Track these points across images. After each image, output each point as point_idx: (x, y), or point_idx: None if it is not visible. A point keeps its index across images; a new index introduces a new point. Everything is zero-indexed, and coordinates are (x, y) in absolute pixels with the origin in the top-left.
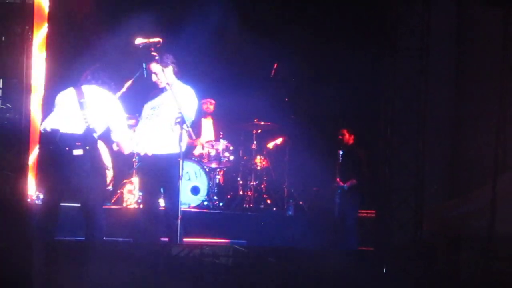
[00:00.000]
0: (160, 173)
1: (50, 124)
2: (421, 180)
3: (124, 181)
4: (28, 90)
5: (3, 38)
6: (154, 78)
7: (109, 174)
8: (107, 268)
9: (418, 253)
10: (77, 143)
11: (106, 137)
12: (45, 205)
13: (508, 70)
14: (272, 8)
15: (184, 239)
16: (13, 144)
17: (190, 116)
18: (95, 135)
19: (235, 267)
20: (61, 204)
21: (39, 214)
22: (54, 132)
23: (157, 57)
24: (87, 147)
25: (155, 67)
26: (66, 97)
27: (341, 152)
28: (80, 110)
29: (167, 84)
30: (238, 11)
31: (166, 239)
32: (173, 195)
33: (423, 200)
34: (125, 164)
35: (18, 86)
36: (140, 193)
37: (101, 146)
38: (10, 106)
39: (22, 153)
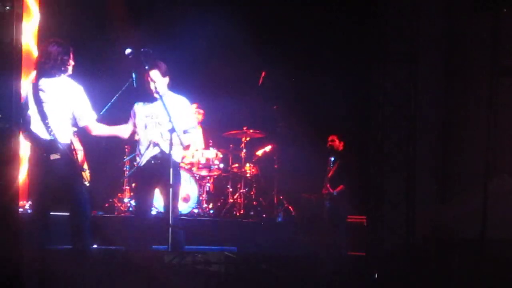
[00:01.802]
0: (162, 179)
1: (26, 133)
2: (412, 184)
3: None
4: (18, 99)
5: None
6: (152, 86)
7: (86, 175)
8: (98, 277)
9: (410, 257)
10: (51, 149)
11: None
12: (34, 213)
13: (497, 74)
14: (260, 16)
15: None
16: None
17: (191, 124)
18: (65, 139)
19: (227, 274)
20: (52, 213)
21: (30, 223)
22: (32, 141)
23: (160, 65)
24: (65, 151)
25: (155, 75)
26: (28, 99)
27: (332, 159)
28: (41, 118)
29: (159, 93)
30: (227, 20)
31: (161, 247)
32: (177, 204)
33: (415, 205)
34: (116, 172)
35: (7, 95)
36: (131, 201)
37: (78, 148)
38: (1, 115)
39: (13, 162)
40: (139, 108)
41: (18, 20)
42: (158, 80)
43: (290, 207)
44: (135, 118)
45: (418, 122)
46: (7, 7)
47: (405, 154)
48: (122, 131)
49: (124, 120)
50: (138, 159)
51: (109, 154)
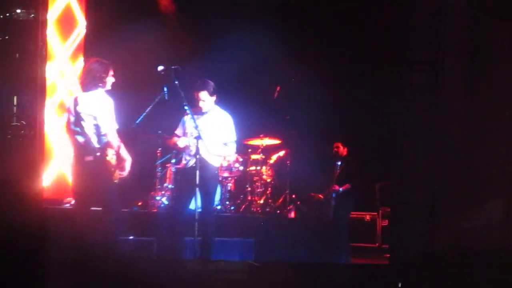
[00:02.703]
0: (201, 182)
1: (69, 138)
2: (434, 193)
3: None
4: (42, 106)
5: (17, 55)
6: (200, 104)
7: (116, 175)
8: (120, 285)
9: (432, 266)
10: (87, 151)
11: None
12: (75, 209)
13: None
14: (281, 31)
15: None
16: (28, 160)
17: (231, 138)
18: (98, 143)
19: (250, 283)
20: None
21: (72, 217)
22: (73, 145)
23: (209, 86)
24: (97, 153)
25: (204, 95)
26: (71, 109)
27: (338, 163)
28: (77, 125)
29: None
30: (248, 38)
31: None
32: (212, 203)
33: (437, 213)
34: (149, 173)
35: (32, 103)
36: (162, 198)
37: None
38: (24, 123)
39: (37, 169)
40: (188, 120)
41: (43, 28)
42: (206, 99)
43: (300, 205)
44: (184, 128)
45: (442, 131)
46: (32, 15)
47: (428, 162)
48: (127, 164)
49: (157, 129)
50: (183, 161)
51: (142, 157)
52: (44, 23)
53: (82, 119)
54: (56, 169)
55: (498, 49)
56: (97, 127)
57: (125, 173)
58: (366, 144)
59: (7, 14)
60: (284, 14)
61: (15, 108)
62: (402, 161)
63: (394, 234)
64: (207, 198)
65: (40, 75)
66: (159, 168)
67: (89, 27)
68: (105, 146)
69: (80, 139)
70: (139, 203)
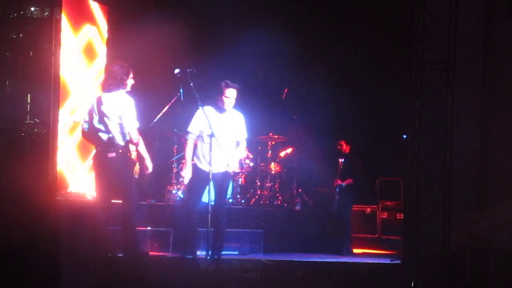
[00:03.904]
0: (217, 182)
1: (90, 135)
2: (448, 192)
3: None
4: (55, 104)
5: (31, 53)
6: (228, 102)
7: (136, 170)
8: (135, 283)
9: (446, 266)
10: (110, 148)
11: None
12: (97, 202)
13: None
14: (292, 34)
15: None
16: (42, 158)
17: (244, 135)
18: (122, 140)
19: (263, 281)
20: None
21: (93, 209)
22: (95, 142)
23: (238, 86)
24: (119, 150)
25: (236, 94)
26: (94, 108)
27: (342, 160)
28: (99, 123)
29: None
30: (259, 40)
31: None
32: (225, 196)
33: (451, 213)
34: (166, 168)
35: (46, 101)
36: (178, 192)
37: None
38: (38, 120)
39: (51, 166)
40: (204, 117)
41: (57, 26)
42: (235, 98)
43: (306, 198)
44: (199, 125)
45: (455, 131)
46: (46, 13)
47: (441, 162)
48: (147, 162)
49: (173, 127)
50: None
51: (159, 153)
52: (58, 21)
53: (107, 117)
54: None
55: (511, 47)
56: (121, 125)
57: (150, 170)
58: (368, 141)
59: (21, 12)
60: (293, 14)
61: (28, 106)
62: (416, 160)
63: (408, 234)
64: (221, 192)
65: (54, 73)
66: (175, 164)
67: (110, 31)
68: (127, 143)
69: (104, 136)
70: (157, 195)
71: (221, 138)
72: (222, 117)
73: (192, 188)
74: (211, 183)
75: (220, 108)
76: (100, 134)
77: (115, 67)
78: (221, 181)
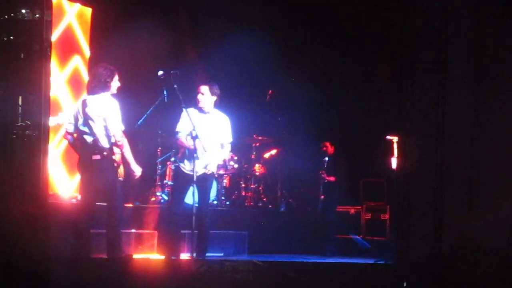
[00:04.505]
0: (200, 183)
1: (75, 138)
2: (439, 193)
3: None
4: (46, 106)
5: (21, 55)
6: (200, 97)
7: (120, 172)
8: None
9: (438, 265)
10: (95, 150)
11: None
12: (81, 204)
13: None
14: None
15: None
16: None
17: (229, 139)
18: (108, 142)
19: (255, 282)
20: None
21: (78, 212)
22: (80, 144)
23: (212, 84)
24: (104, 153)
25: (205, 89)
26: (79, 111)
27: (326, 159)
28: (85, 125)
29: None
30: (243, 42)
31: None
32: (208, 198)
33: (442, 213)
34: (150, 171)
35: (37, 103)
36: (162, 194)
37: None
38: (29, 123)
39: (43, 169)
40: (188, 119)
41: (47, 28)
42: (206, 94)
43: (290, 199)
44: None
45: (446, 131)
46: (37, 15)
47: (432, 162)
48: (133, 166)
49: (158, 129)
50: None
51: (143, 156)
52: (48, 23)
53: (92, 120)
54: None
55: (503, 48)
56: (105, 128)
57: (138, 174)
58: (351, 143)
59: (12, 14)
60: (278, 14)
61: (19, 108)
62: (407, 160)
63: (399, 234)
64: (204, 194)
65: (45, 75)
66: (160, 166)
67: (92, 32)
68: (112, 146)
69: (89, 139)
70: (141, 198)
71: (205, 140)
72: (205, 118)
73: (175, 190)
74: (195, 185)
75: (201, 109)
76: (85, 136)
77: (99, 69)
78: (204, 183)
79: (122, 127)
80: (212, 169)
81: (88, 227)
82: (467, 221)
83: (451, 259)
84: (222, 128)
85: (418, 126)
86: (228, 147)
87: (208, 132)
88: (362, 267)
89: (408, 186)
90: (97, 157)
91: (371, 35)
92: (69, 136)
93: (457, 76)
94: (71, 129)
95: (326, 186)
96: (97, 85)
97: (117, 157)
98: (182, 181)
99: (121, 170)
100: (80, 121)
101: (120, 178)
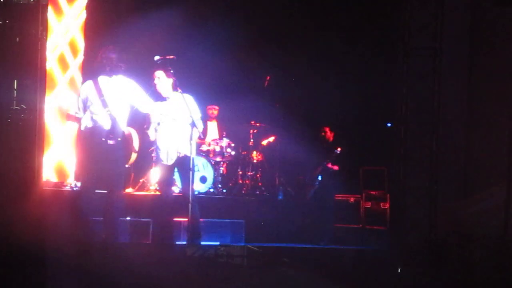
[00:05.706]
0: (181, 168)
1: (87, 122)
2: (434, 179)
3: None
4: (42, 90)
5: (17, 39)
6: (156, 81)
7: (134, 156)
8: (121, 269)
9: (432, 251)
10: (110, 135)
11: (137, 125)
12: (82, 191)
13: None
14: (272, 20)
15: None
16: (28, 145)
17: (198, 114)
18: (122, 127)
19: (249, 267)
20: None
21: (78, 198)
22: (92, 129)
23: (166, 68)
24: (118, 138)
25: (160, 74)
26: (90, 94)
27: (337, 151)
28: (103, 108)
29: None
30: (240, 29)
31: (182, 218)
32: (190, 183)
33: (437, 199)
34: (145, 157)
35: (32, 87)
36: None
37: (133, 132)
38: (24, 107)
39: (37, 153)
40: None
41: (43, 13)
42: (162, 78)
43: (288, 188)
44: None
45: (441, 117)
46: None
47: (427, 148)
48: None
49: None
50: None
51: (140, 141)
52: (44, 7)
53: (112, 102)
54: (56, 155)
55: (497, 35)
56: (123, 110)
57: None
58: (352, 130)
59: None
60: (277, 1)
61: (15, 92)
62: (402, 146)
63: (394, 220)
64: (185, 178)
65: (41, 59)
66: (155, 153)
67: (90, 18)
68: (124, 133)
69: (105, 123)
70: (137, 185)
71: (171, 124)
72: (166, 104)
73: (161, 180)
74: (176, 171)
75: (160, 96)
76: (99, 120)
77: (112, 53)
78: (181, 167)
79: (151, 101)
80: (185, 151)
81: (87, 215)
82: (461, 207)
83: (445, 245)
84: (187, 106)
85: (413, 112)
86: (200, 123)
87: (173, 116)
88: (357, 253)
89: (403, 172)
90: (112, 142)
91: (367, 21)
92: (75, 120)
93: (453, 62)
94: (80, 114)
95: (325, 173)
96: (111, 68)
97: (135, 143)
98: (163, 169)
99: (133, 157)
100: (95, 103)
101: (127, 165)
